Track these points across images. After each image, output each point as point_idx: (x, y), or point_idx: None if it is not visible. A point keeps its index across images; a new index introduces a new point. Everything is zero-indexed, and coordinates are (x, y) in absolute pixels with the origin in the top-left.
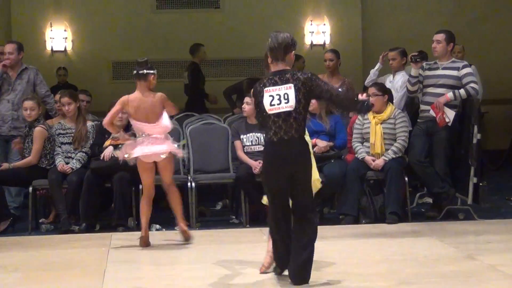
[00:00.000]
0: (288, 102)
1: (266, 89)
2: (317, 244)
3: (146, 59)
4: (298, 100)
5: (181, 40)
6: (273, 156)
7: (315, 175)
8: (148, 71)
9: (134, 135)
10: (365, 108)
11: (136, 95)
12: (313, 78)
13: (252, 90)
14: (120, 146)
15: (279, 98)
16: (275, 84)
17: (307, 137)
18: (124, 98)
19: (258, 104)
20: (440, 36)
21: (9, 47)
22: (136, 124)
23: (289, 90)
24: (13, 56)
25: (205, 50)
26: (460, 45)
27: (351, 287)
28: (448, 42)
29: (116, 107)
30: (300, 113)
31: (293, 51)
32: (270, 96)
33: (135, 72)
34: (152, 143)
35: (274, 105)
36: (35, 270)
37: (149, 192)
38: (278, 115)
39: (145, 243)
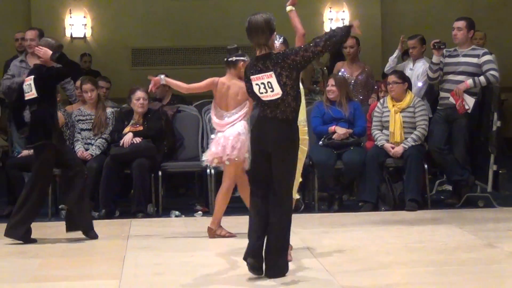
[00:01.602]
0: (273, 90)
1: (252, 77)
2: (337, 232)
3: (236, 46)
4: (282, 85)
5: (200, 27)
6: (252, 133)
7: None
8: (237, 58)
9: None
10: (345, 29)
11: (224, 80)
12: (287, 53)
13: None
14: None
15: (264, 87)
16: (259, 71)
17: (302, 126)
18: (215, 79)
19: (250, 89)
20: (461, 23)
21: (30, 34)
22: (215, 112)
23: (270, 78)
24: (34, 43)
25: None
26: (481, 32)
27: (371, 274)
28: (469, 29)
29: (204, 82)
30: (288, 94)
31: (275, 33)
32: (256, 85)
33: (225, 59)
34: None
35: (262, 93)
36: (54, 256)
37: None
38: (269, 101)
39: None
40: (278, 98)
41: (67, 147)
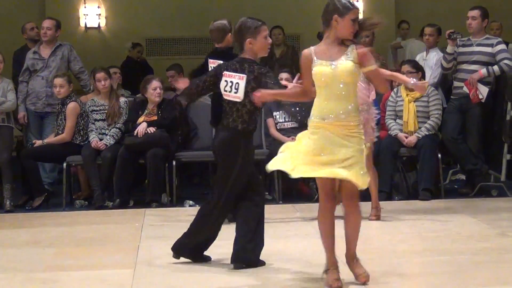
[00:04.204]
0: (237, 92)
1: (224, 72)
2: None
3: None
4: (245, 92)
5: (211, 17)
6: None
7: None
8: None
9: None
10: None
11: None
12: (267, 75)
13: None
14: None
15: (232, 86)
16: (234, 70)
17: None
18: None
19: (217, 83)
20: (475, 13)
21: (48, 23)
22: None
23: (240, 80)
24: (51, 32)
25: None
26: (498, 22)
27: (385, 263)
28: (483, 19)
29: None
30: (244, 105)
31: (248, 39)
32: (225, 81)
33: None
34: None
35: (226, 91)
36: (69, 246)
37: None
38: (228, 101)
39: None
40: (237, 103)
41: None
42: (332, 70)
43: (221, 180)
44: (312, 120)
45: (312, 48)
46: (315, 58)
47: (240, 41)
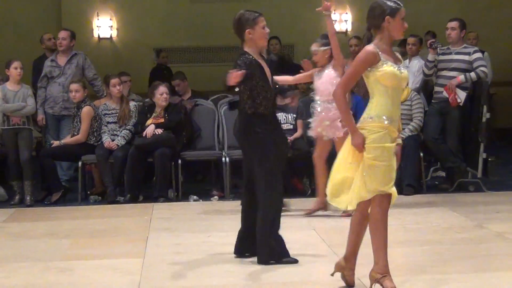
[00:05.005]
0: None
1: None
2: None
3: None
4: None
5: (215, 28)
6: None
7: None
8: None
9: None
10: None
11: None
12: (238, 59)
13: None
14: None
15: None
16: (235, 65)
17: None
18: None
19: None
20: (454, 24)
21: (63, 33)
22: None
23: (233, 70)
24: (66, 42)
25: None
26: (474, 32)
27: (372, 252)
28: (461, 29)
29: None
30: (243, 92)
31: (247, 29)
32: None
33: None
34: None
35: None
36: (84, 237)
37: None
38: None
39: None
40: (239, 91)
41: None
42: (399, 73)
43: (257, 165)
44: (380, 120)
45: (374, 46)
46: (382, 57)
47: (240, 33)
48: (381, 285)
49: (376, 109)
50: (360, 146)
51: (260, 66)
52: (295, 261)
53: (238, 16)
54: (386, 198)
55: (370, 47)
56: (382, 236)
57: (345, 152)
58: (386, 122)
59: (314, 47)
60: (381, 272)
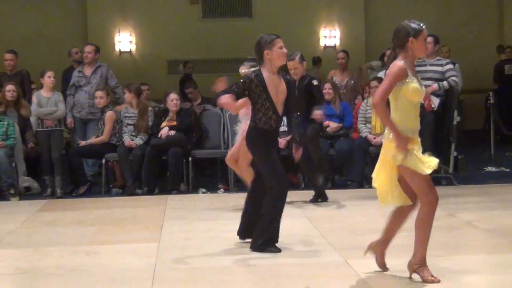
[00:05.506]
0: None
1: None
2: (330, 204)
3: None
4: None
5: (221, 43)
6: None
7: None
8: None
9: None
10: None
11: None
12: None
13: None
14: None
15: None
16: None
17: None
18: None
19: None
20: (429, 39)
21: (89, 48)
22: None
23: None
24: (91, 55)
25: None
26: (446, 46)
27: (356, 237)
28: (435, 44)
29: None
30: (248, 107)
31: (266, 51)
32: None
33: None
34: None
35: None
36: (107, 225)
37: None
38: None
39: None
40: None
41: None
42: (422, 90)
43: (261, 169)
44: (405, 133)
45: (403, 62)
46: (409, 73)
47: (260, 54)
48: (419, 274)
49: (401, 124)
50: (405, 147)
51: (264, 85)
52: (278, 251)
53: (258, 40)
54: (435, 198)
55: (400, 63)
56: (426, 231)
57: (381, 163)
58: (410, 134)
59: (242, 70)
60: (418, 263)
